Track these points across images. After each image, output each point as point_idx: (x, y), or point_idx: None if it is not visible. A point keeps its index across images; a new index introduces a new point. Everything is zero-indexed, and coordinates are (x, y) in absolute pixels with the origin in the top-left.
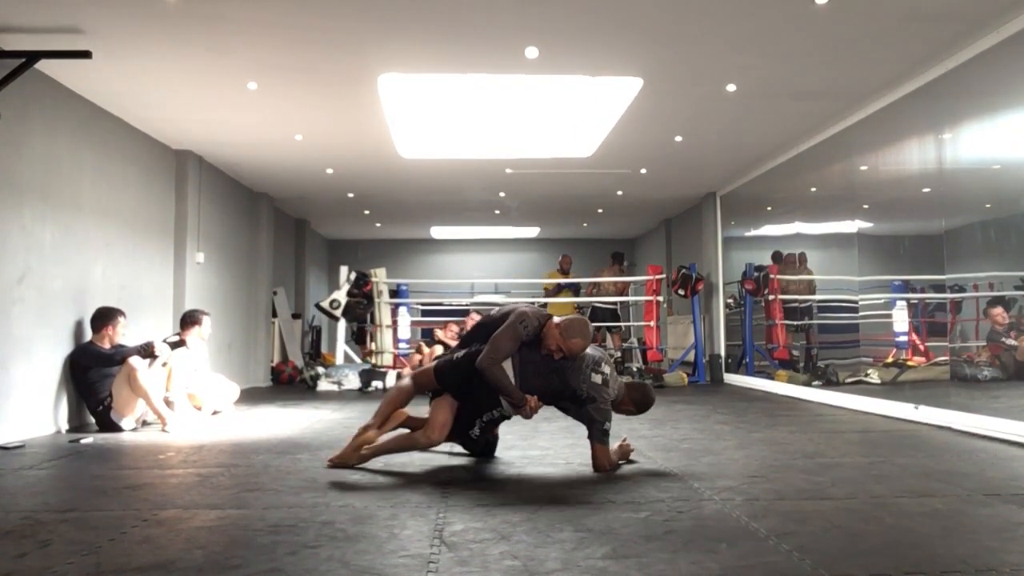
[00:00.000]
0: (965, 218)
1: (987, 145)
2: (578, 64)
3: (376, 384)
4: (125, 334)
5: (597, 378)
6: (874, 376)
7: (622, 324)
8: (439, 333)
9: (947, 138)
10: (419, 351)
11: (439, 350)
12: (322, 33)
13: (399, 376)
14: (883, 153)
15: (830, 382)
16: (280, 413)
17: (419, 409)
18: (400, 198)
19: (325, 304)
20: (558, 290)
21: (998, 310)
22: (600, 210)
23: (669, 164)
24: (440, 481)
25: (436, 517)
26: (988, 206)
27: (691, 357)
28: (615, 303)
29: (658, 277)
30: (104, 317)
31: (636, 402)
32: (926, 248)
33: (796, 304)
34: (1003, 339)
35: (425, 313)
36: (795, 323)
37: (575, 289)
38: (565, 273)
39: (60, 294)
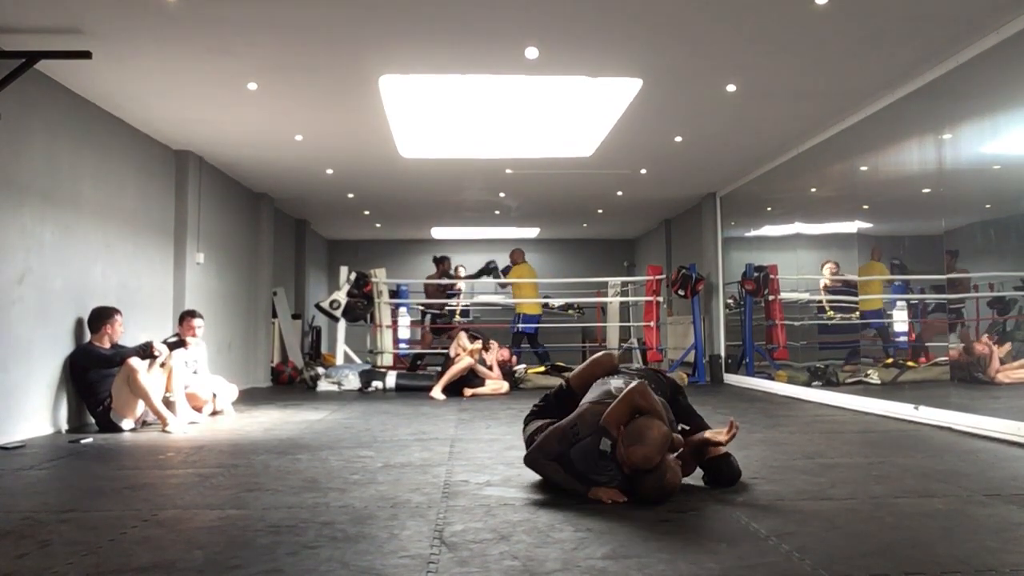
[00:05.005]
0: (965, 218)
1: (987, 145)
2: (578, 64)
3: (376, 384)
4: (124, 332)
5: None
6: (874, 376)
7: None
8: (463, 339)
9: (947, 138)
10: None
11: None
12: (322, 33)
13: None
14: (883, 153)
15: (830, 382)
16: (280, 413)
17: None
18: (400, 198)
19: (325, 304)
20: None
21: (979, 346)
22: (600, 210)
23: (669, 164)
24: (440, 481)
25: (436, 517)
26: (988, 206)
27: (691, 357)
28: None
29: (658, 277)
30: (101, 317)
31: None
32: (926, 248)
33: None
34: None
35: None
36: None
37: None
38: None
39: (60, 294)
